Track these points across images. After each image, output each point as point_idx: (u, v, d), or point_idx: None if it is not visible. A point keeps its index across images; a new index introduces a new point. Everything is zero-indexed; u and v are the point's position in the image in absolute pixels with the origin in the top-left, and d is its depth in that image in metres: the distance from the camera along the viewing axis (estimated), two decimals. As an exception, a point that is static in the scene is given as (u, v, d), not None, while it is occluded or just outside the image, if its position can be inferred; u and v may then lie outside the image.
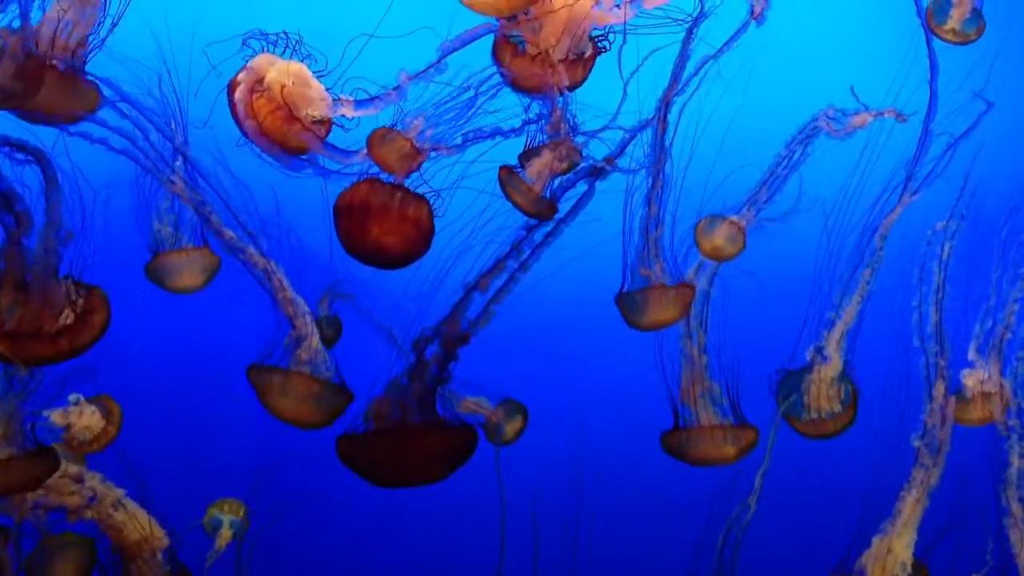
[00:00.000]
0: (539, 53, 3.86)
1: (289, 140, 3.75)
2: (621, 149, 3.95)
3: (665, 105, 4.05)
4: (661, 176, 4.10)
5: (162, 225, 4.22)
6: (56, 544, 4.01)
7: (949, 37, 4.36)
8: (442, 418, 4.00)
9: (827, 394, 4.41)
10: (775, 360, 4.49)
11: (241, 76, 3.70)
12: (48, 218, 3.57)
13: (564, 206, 4.05)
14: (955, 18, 4.35)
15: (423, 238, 3.84)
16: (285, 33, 3.73)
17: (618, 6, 3.84)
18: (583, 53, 3.96)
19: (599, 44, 3.97)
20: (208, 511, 4.50)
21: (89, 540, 4.06)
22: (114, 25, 3.69)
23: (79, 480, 4.00)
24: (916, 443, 4.53)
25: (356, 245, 3.83)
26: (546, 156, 3.92)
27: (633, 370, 4.60)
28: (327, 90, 3.73)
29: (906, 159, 4.39)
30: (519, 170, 3.95)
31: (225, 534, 4.47)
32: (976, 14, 4.35)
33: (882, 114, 4.27)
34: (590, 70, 3.99)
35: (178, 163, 3.95)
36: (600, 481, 5.05)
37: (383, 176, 3.81)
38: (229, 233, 3.97)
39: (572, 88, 3.98)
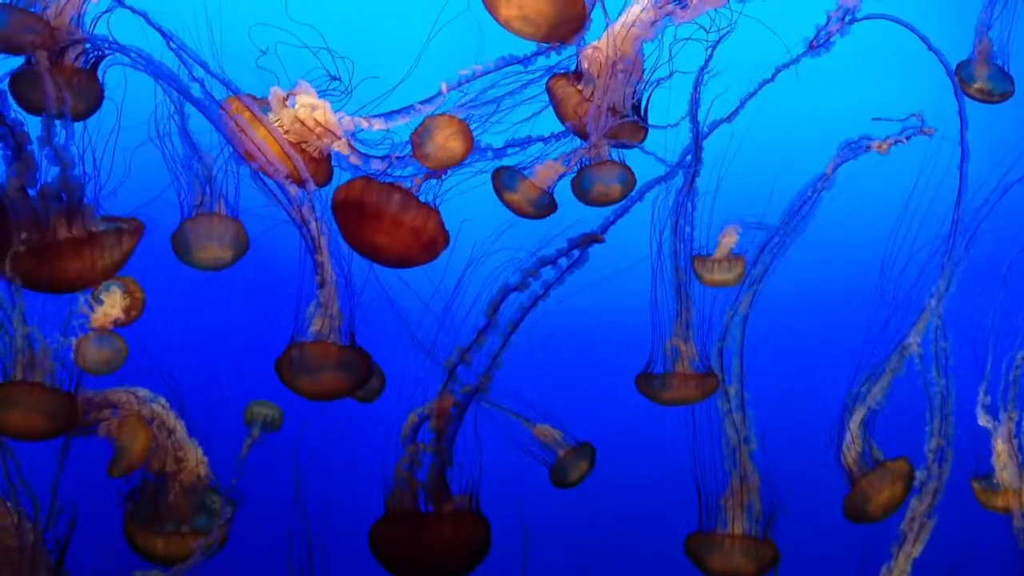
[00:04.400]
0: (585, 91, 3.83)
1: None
2: (616, 218, 3.93)
3: (696, 155, 4.07)
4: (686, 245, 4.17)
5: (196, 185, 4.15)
6: (124, 428, 4.22)
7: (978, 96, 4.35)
8: (460, 507, 3.89)
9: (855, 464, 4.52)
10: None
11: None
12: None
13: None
14: (980, 77, 4.33)
15: (423, 247, 3.79)
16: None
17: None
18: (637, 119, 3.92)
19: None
20: (251, 407, 4.74)
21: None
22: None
23: (144, 401, 4.22)
24: (894, 549, 4.62)
25: (352, 242, 3.87)
26: (551, 166, 3.94)
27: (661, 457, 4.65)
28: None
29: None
30: (521, 170, 3.96)
31: (255, 434, 4.80)
32: (999, 72, 4.32)
33: (908, 135, 4.27)
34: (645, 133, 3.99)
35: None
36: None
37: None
38: (293, 188, 4.03)
39: (629, 146, 3.98)
